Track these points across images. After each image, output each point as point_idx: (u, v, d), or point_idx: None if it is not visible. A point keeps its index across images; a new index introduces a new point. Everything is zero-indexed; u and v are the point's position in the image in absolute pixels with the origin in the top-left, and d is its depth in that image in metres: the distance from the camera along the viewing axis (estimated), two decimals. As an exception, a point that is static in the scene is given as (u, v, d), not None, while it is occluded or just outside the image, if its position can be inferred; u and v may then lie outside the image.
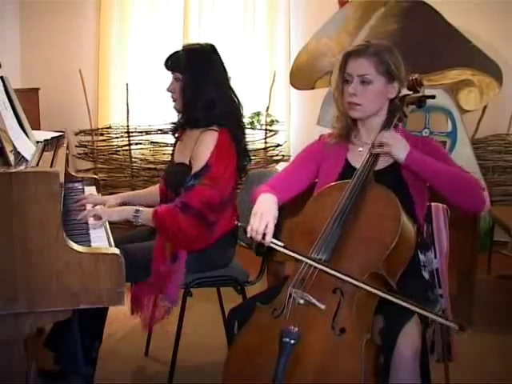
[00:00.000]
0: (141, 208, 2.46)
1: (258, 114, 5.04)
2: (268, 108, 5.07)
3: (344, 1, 4.73)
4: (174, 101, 2.58)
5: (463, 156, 4.34)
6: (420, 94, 2.20)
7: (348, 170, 2.12)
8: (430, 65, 4.25)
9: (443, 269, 2.23)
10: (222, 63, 2.57)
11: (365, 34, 4.39)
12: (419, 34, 4.30)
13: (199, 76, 2.49)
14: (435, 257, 2.23)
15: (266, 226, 1.99)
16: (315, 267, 1.90)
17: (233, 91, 2.59)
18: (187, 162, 2.51)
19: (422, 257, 2.21)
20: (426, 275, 2.21)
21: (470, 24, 4.48)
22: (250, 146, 4.92)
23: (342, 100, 2.15)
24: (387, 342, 1.83)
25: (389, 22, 4.38)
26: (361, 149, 2.16)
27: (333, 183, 2.10)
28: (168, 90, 2.57)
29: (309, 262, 1.92)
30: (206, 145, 2.45)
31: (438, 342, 2.22)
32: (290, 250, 1.97)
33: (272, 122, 5.07)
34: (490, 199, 4.39)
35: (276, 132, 5.09)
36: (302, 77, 4.70)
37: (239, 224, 2.08)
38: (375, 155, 2.06)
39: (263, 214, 2.02)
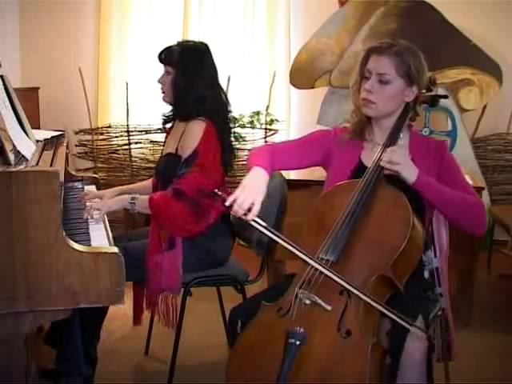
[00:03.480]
0: (136, 195, 2.50)
1: (257, 113, 5.04)
2: (268, 107, 5.07)
3: (344, 0, 4.73)
4: (163, 93, 2.63)
5: (463, 155, 4.34)
6: (434, 93, 2.18)
7: (361, 169, 2.09)
8: (430, 64, 4.21)
9: (443, 268, 2.22)
10: (214, 63, 2.63)
11: (364, 34, 4.40)
12: (419, 33, 4.29)
13: (190, 72, 2.55)
14: (435, 256, 2.22)
15: (253, 203, 1.92)
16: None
17: (222, 90, 2.65)
18: (174, 152, 2.57)
19: (422, 256, 2.20)
20: (426, 274, 2.21)
21: (470, 23, 4.48)
22: (250, 145, 5.00)
23: (359, 95, 2.13)
24: (395, 344, 1.83)
25: (389, 22, 4.39)
26: (373, 148, 2.13)
27: (342, 182, 2.08)
28: (158, 81, 2.63)
29: (301, 255, 1.90)
30: (194, 133, 2.51)
31: (437, 341, 2.22)
32: (273, 233, 1.92)
33: (272, 121, 5.07)
34: (490, 198, 4.41)
35: (276, 131, 5.09)
36: (302, 76, 4.70)
37: (219, 193, 2.02)
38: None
39: (252, 191, 1.94)
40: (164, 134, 5.05)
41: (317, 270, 1.89)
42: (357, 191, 1.97)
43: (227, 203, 1.92)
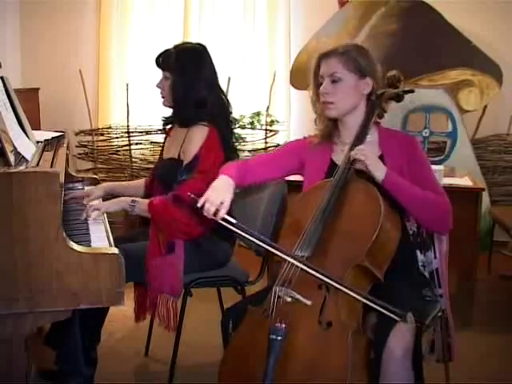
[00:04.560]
0: (137, 198, 2.50)
1: (258, 114, 5.04)
2: (268, 108, 5.07)
3: (344, 1, 4.73)
4: (163, 97, 2.62)
5: (463, 156, 4.35)
6: (398, 90, 2.20)
7: (333, 170, 2.13)
8: (430, 65, 4.26)
9: (443, 269, 2.23)
10: (212, 64, 2.61)
11: (365, 34, 4.39)
12: (419, 34, 4.31)
13: (188, 76, 2.53)
14: (435, 257, 2.22)
15: (222, 202, 2.03)
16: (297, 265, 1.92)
17: (222, 92, 2.63)
18: (176, 157, 2.56)
19: (421, 257, 2.21)
20: (425, 275, 2.21)
21: (470, 24, 4.49)
22: (251, 146, 5.00)
23: (319, 103, 2.19)
24: (378, 339, 1.85)
25: (389, 22, 4.39)
26: (343, 149, 2.17)
27: (316, 183, 2.13)
28: (157, 86, 2.62)
29: (263, 245, 1.97)
30: (195, 139, 2.50)
31: (437, 341, 2.22)
32: (242, 230, 2.00)
33: (272, 122, 5.07)
34: (490, 199, 4.41)
35: (276, 132, 5.09)
36: (302, 77, 4.67)
37: (191, 195, 2.09)
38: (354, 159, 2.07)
39: (221, 191, 2.07)
40: (164, 135, 5.15)
41: (293, 266, 1.93)
42: (328, 188, 2.02)
43: (199, 204, 2.04)
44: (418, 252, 2.20)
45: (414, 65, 4.11)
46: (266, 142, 5.10)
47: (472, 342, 3.07)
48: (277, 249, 1.98)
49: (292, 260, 1.93)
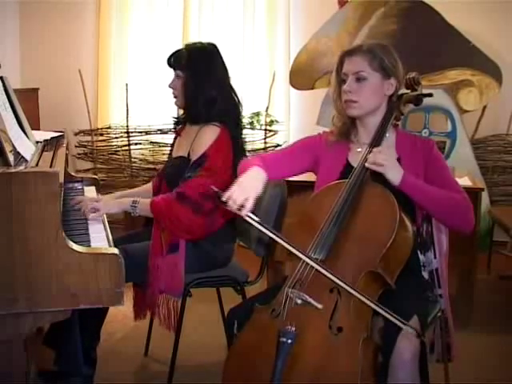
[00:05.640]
0: (138, 199, 2.50)
1: (257, 114, 5.04)
2: (268, 108, 5.07)
3: (344, 1, 4.74)
4: (175, 97, 2.62)
5: (463, 156, 4.35)
6: (417, 92, 2.19)
7: (348, 170, 2.11)
8: (430, 65, 4.26)
9: (443, 269, 2.22)
10: (223, 62, 2.61)
11: (364, 34, 4.40)
12: (419, 34, 4.31)
13: (200, 74, 2.53)
14: (435, 257, 2.22)
15: (246, 199, 1.95)
16: (312, 267, 1.90)
17: (233, 90, 2.63)
18: (185, 155, 2.55)
19: (421, 257, 2.20)
20: (425, 275, 2.21)
21: (470, 24, 4.49)
22: (250, 147, 5.01)
23: (340, 100, 2.17)
24: (387, 343, 1.83)
25: (388, 22, 4.39)
26: (359, 149, 2.15)
27: (330, 183, 2.10)
28: (170, 86, 2.62)
29: (296, 252, 1.92)
30: (206, 137, 2.49)
31: (437, 342, 2.22)
32: (267, 229, 1.95)
33: (272, 122, 5.07)
34: (489, 199, 4.41)
35: (276, 132, 5.09)
36: (302, 77, 4.70)
37: (214, 189, 2.01)
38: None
39: (247, 188, 1.98)
40: (164, 135, 5.15)
41: (306, 268, 1.91)
42: (343, 191, 2.00)
43: (223, 199, 1.95)
44: (418, 252, 2.19)
45: (413, 65, 4.10)
46: (265, 143, 5.10)
47: (472, 342, 3.07)
48: (300, 251, 1.93)
49: (312, 263, 1.90)
